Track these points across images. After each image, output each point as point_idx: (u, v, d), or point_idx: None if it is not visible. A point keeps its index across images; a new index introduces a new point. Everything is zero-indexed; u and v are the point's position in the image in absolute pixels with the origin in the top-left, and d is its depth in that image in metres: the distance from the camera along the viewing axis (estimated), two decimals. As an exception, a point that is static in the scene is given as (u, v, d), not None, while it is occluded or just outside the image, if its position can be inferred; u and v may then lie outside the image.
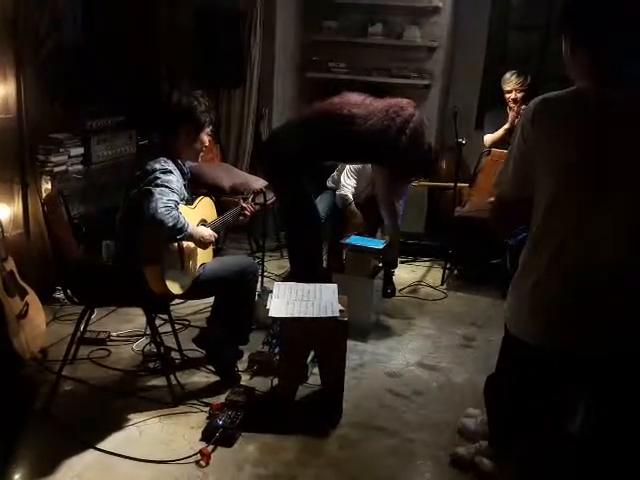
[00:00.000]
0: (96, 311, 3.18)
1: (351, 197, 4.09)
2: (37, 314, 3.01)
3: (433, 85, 4.98)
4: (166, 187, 2.55)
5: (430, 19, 4.87)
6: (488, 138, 4.58)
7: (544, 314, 1.65)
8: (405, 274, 4.56)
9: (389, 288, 4.17)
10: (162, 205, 2.48)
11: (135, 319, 3.48)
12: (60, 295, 3.51)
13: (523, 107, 1.67)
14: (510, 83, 4.41)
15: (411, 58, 4.96)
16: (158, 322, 2.98)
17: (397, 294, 4.20)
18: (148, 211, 2.48)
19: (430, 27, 4.88)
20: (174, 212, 2.51)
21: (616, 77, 1.57)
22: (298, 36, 5.09)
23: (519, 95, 4.40)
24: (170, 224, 2.49)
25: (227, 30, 4.33)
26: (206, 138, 2.83)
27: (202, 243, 2.70)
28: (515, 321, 1.73)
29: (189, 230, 2.58)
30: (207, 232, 2.73)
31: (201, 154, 2.87)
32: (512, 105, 4.46)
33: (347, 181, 4.13)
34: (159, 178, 2.56)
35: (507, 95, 4.45)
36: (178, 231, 2.53)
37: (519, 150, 1.65)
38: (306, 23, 5.08)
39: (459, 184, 4.49)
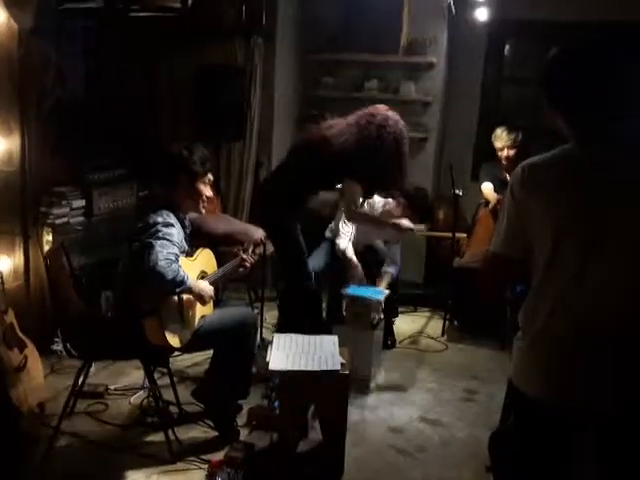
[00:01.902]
0: (94, 363, 3.15)
1: (350, 248, 4.02)
2: (35, 367, 2.98)
3: (429, 138, 5.08)
4: (167, 240, 2.58)
5: (425, 74, 5.00)
6: (486, 188, 4.60)
7: (545, 368, 1.65)
8: (405, 325, 4.55)
9: (389, 339, 4.16)
10: (162, 258, 2.50)
11: (133, 372, 3.45)
12: (58, 347, 3.49)
13: (515, 170, 1.71)
14: (501, 140, 4.40)
15: (407, 112, 5.04)
16: (156, 375, 2.95)
17: (397, 345, 4.20)
18: (148, 263, 2.49)
19: (425, 82, 5.01)
20: (174, 265, 2.53)
21: (593, 136, 1.61)
22: (297, 91, 5.22)
23: (511, 152, 4.38)
24: (170, 277, 2.50)
25: (227, 85, 4.42)
26: (204, 188, 2.83)
27: (201, 298, 2.70)
28: (519, 377, 1.73)
29: (189, 283, 2.59)
30: (207, 287, 2.74)
31: (203, 205, 2.87)
32: (504, 161, 4.47)
33: (345, 228, 4.12)
34: (160, 231, 2.58)
35: (499, 153, 4.45)
36: (178, 284, 2.54)
37: (510, 211, 1.69)
38: (304, 78, 5.22)
39: (457, 234, 4.52)
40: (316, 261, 4.03)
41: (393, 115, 3.39)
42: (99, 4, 3.10)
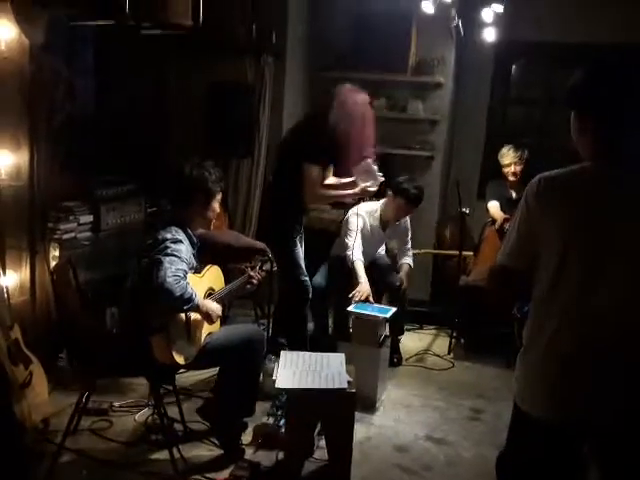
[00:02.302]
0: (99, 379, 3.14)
1: (360, 261, 3.97)
2: (40, 383, 2.96)
3: (435, 156, 5.09)
4: (175, 256, 2.58)
5: (433, 94, 5.02)
6: (492, 207, 4.62)
7: (551, 384, 1.65)
8: (411, 342, 4.53)
9: (395, 357, 4.14)
10: (171, 274, 2.50)
11: (138, 388, 3.43)
12: (63, 363, 3.48)
13: (531, 181, 1.71)
14: (508, 157, 4.50)
15: (414, 130, 5.09)
16: (161, 391, 2.93)
17: (404, 363, 4.17)
18: (157, 280, 2.49)
19: (433, 101, 5.03)
20: (182, 282, 2.52)
21: (617, 155, 1.62)
22: (305, 109, 5.24)
23: (518, 168, 4.48)
24: (178, 294, 2.50)
25: (237, 102, 4.45)
26: (217, 206, 2.89)
27: (209, 317, 2.70)
28: (523, 395, 1.72)
29: (196, 301, 2.59)
30: (214, 306, 2.73)
31: (212, 222, 2.92)
32: (512, 179, 4.53)
33: (350, 240, 4.08)
34: (169, 247, 2.59)
35: (506, 169, 4.53)
36: (185, 302, 2.53)
37: (522, 223, 1.69)
38: (313, 96, 5.24)
39: (464, 252, 4.52)
40: (322, 277, 4.03)
41: (348, 91, 3.49)
42: (110, 21, 3.13)
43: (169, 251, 2.57)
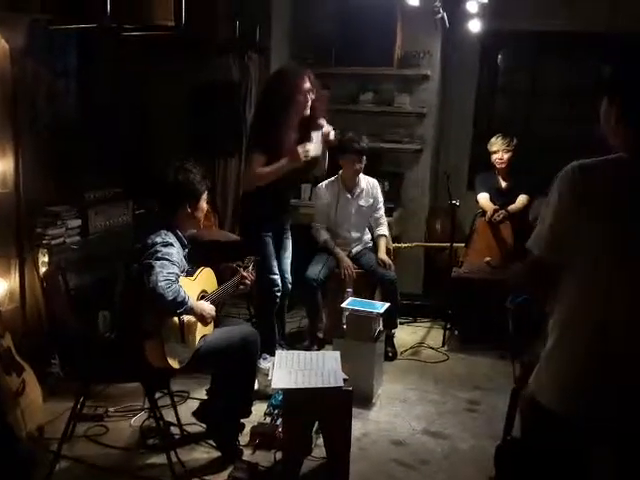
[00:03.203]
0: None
1: (324, 235, 4.13)
2: (33, 391, 2.93)
3: (424, 149, 5.09)
4: (166, 260, 2.56)
5: (419, 87, 5.02)
6: (482, 198, 4.63)
7: (579, 381, 1.62)
8: (406, 335, 4.53)
9: (390, 351, 4.14)
10: (163, 278, 2.48)
11: (133, 392, 3.39)
12: (56, 370, 3.45)
13: (565, 168, 1.62)
14: (496, 144, 4.54)
15: (402, 123, 5.08)
16: (156, 395, 2.91)
17: (399, 357, 4.18)
18: (149, 285, 2.48)
19: (420, 94, 5.03)
20: (175, 286, 2.51)
21: None
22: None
23: (505, 156, 4.52)
24: (170, 298, 2.48)
25: (222, 100, 4.43)
26: (205, 205, 2.87)
27: (203, 319, 2.68)
28: (548, 392, 1.68)
29: (190, 304, 2.57)
30: (208, 307, 2.71)
31: (201, 221, 2.90)
32: (499, 165, 4.56)
33: (314, 222, 4.20)
34: (160, 251, 2.57)
35: (494, 156, 4.56)
36: (178, 305, 2.51)
37: (556, 212, 1.62)
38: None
39: (455, 244, 4.52)
40: (313, 271, 4.01)
41: (286, 68, 3.57)
42: (91, 24, 3.08)
43: (160, 255, 2.55)
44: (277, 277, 3.64)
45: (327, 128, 3.58)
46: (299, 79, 3.40)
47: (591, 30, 4.57)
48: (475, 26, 4.60)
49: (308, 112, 3.46)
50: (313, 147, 3.51)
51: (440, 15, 4.29)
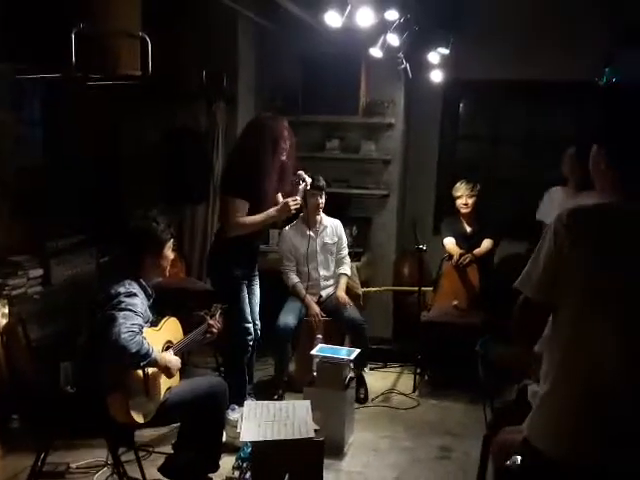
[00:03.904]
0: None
1: (294, 279, 4.17)
2: (-10, 449, 2.81)
3: (391, 194, 5.16)
4: (130, 311, 2.51)
5: (385, 134, 5.11)
6: (448, 243, 4.69)
7: (580, 428, 1.62)
8: (376, 382, 4.49)
9: (362, 392, 4.11)
10: (125, 330, 2.43)
11: (95, 447, 3.27)
12: (15, 425, 3.31)
13: (559, 213, 1.67)
14: (460, 190, 4.63)
15: (368, 170, 5.16)
16: (120, 449, 2.81)
17: (370, 403, 4.13)
18: (111, 336, 2.42)
19: (385, 141, 5.12)
20: (138, 337, 2.45)
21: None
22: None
23: (470, 201, 4.61)
24: (134, 350, 2.42)
25: (190, 148, 4.45)
26: (170, 253, 2.84)
27: (168, 371, 2.62)
28: (544, 435, 1.67)
29: (154, 356, 2.51)
30: (173, 359, 2.66)
31: (167, 269, 2.86)
32: (464, 210, 4.63)
33: (283, 266, 4.22)
34: (123, 302, 2.52)
35: (458, 201, 4.64)
36: (142, 357, 2.45)
37: (550, 254, 1.64)
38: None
39: (423, 288, 4.55)
40: (284, 321, 3.98)
41: (263, 118, 3.57)
42: (57, 74, 3.08)
43: (123, 305, 2.50)
44: (251, 325, 3.60)
45: (308, 179, 3.65)
46: (280, 126, 3.47)
47: (545, 78, 4.76)
48: (437, 76, 4.75)
49: (284, 158, 3.52)
50: (294, 199, 3.55)
51: (403, 66, 4.41)
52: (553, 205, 4.13)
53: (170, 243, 2.83)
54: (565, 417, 1.64)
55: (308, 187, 3.68)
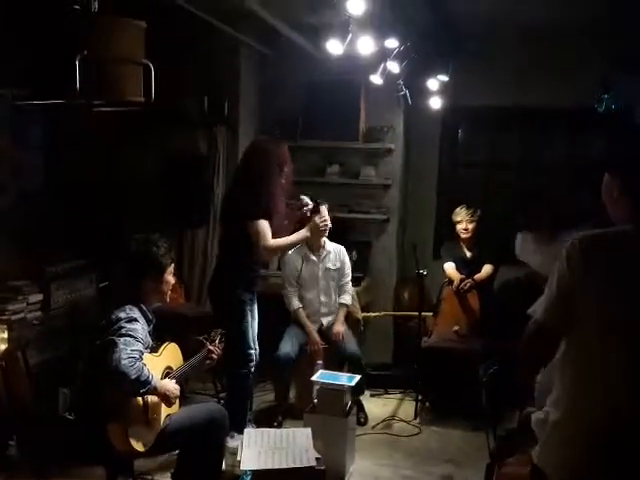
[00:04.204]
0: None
1: (296, 304, 4.14)
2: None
3: (391, 219, 5.17)
4: (131, 336, 2.50)
5: (384, 159, 5.16)
6: (448, 267, 4.68)
7: (583, 450, 1.61)
8: (376, 408, 4.45)
9: (362, 416, 4.07)
10: (126, 356, 2.41)
11: (93, 475, 3.22)
12: (13, 451, 3.27)
13: (572, 239, 1.66)
14: (460, 215, 4.63)
15: (368, 195, 5.19)
16: (119, 478, 2.77)
17: (370, 430, 4.09)
18: (111, 362, 2.40)
19: (385, 166, 5.16)
20: (138, 364, 2.43)
21: None
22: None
23: (470, 226, 4.61)
24: (133, 376, 2.40)
25: (191, 174, 4.46)
26: (171, 278, 2.83)
27: (167, 399, 2.59)
28: (555, 464, 1.66)
29: (153, 383, 2.49)
30: (172, 387, 2.63)
31: (167, 294, 2.85)
32: (464, 235, 4.63)
33: (285, 291, 4.19)
34: (124, 327, 2.51)
35: (458, 226, 4.65)
36: (141, 385, 2.43)
37: (563, 281, 1.63)
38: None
39: (423, 314, 4.53)
40: (285, 349, 3.96)
41: (264, 142, 3.62)
42: (59, 100, 3.10)
43: (124, 331, 2.48)
44: (253, 351, 3.56)
45: (310, 203, 3.68)
46: (284, 151, 3.54)
47: (543, 105, 4.82)
48: (436, 102, 4.79)
49: (284, 181, 3.56)
50: (319, 217, 3.65)
51: (402, 92, 4.45)
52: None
53: (171, 268, 2.82)
54: (579, 445, 1.62)
55: (310, 209, 3.68)
